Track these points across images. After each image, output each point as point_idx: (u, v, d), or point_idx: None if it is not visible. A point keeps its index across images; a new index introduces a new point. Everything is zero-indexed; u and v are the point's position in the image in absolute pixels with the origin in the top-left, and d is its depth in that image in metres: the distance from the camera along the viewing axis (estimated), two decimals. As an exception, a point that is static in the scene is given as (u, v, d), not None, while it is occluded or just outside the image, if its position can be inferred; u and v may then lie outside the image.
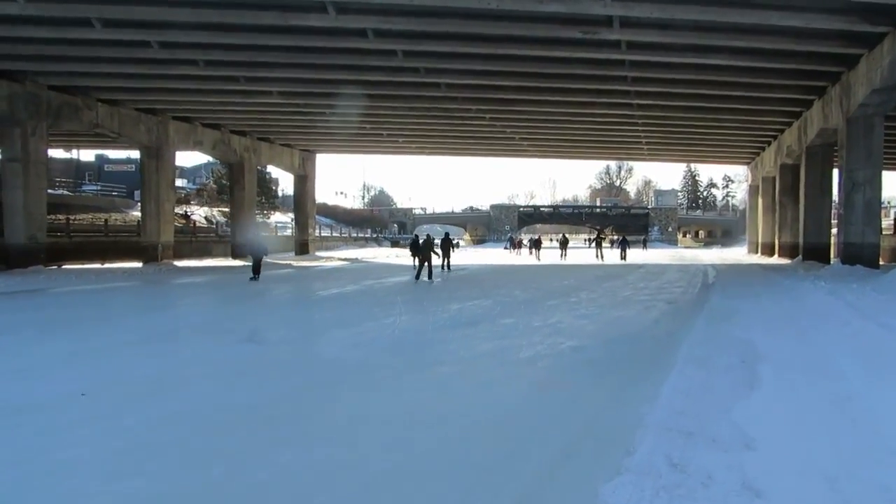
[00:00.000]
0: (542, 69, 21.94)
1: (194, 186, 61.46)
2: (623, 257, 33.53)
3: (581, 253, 41.31)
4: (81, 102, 25.29)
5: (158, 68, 22.46)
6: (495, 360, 6.56)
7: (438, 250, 20.65)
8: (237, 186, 35.06)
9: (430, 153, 42.59)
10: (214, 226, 42.23)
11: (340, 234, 59.43)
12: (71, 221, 33.05)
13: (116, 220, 38.34)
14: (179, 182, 67.25)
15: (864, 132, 19.85)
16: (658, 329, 8.47)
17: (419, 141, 36.81)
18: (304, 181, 41.03)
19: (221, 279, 20.03)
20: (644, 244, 47.59)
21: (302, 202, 41.27)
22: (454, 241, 21.34)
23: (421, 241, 19.46)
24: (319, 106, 27.76)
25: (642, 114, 27.41)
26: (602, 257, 33.97)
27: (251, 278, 18.12)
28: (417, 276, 17.68)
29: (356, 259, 34.75)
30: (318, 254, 40.53)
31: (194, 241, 37.59)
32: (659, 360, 6.34)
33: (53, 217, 28.70)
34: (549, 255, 37.82)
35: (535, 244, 40.74)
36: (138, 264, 27.73)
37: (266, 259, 33.36)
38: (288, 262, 31.80)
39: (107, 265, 27.46)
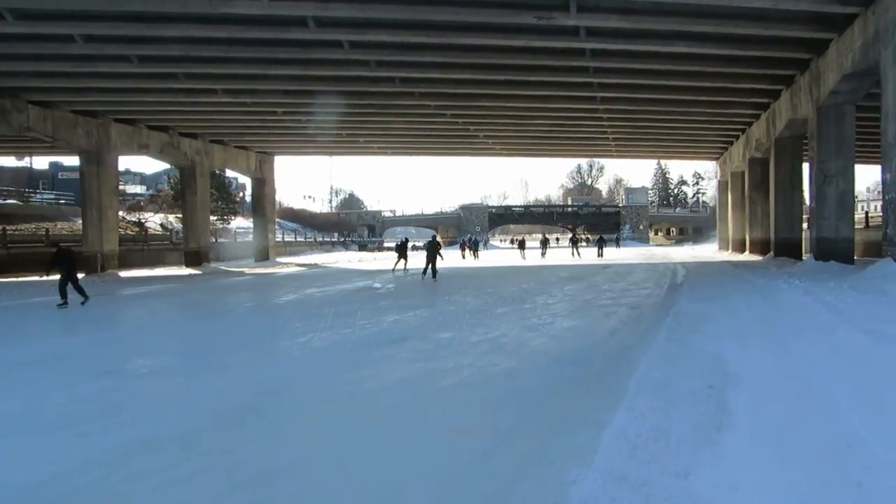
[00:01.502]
0: (499, 60, 20.78)
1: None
2: (600, 255, 35.61)
3: (559, 252, 42.45)
4: (10, 105, 23.55)
5: (88, 66, 20.87)
6: (404, 393, 5.28)
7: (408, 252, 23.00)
8: (189, 191, 33.34)
9: (394, 153, 41.27)
10: (169, 233, 40.33)
11: (306, 238, 57.69)
12: (10, 232, 31.20)
13: (62, 229, 36.40)
14: (139, 189, 65.28)
15: (835, 121, 18.98)
16: (614, 343, 7.26)
17: (380, 141, 35.47)
18: (262, 184, 39.45)
19: (157, 291, 18.46)
20: (617, 242, 47.20)
21: (261, 206, 39.68)
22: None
23: (425, 244, 21.80)
24: (268, 105, 26.33)
25: (607, 107, 26.39)
26: (578, 255, 35.39)
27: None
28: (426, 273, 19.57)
29: (315, 264, 33.26)
30: (280, 259, 38.94)
31: (146, 249, 35.88)
32: (608, 388, 5.12)
33: (-10, 228, 26.95)
34: (530, 254, 38.84)
35: (521, 244, 43.80)
36: (80, 275, 25.92)
37: (218, 266, 32.26)
38: (242, 269, 30.24)
39: (46, 278, 25.64)
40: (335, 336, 8.28)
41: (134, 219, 41.89)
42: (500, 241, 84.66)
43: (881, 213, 15.23)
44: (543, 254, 38.44)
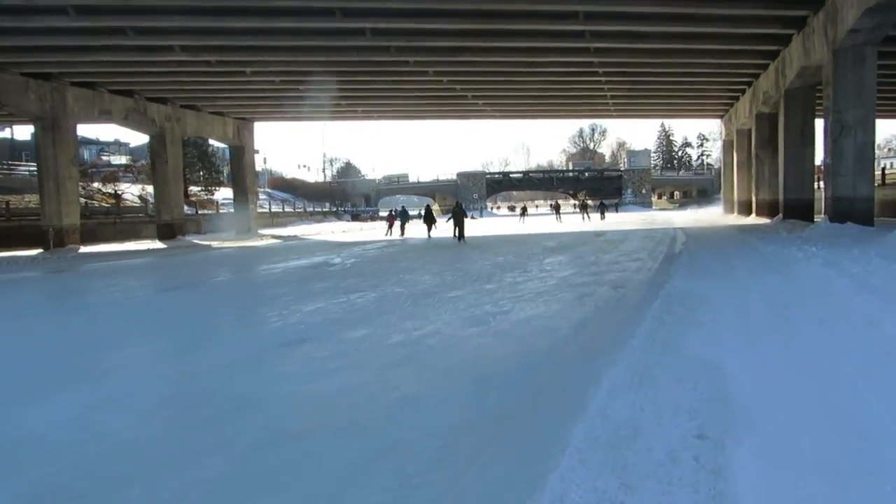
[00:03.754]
0: (478, 6, 18.71)
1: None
2: (602, 218, 39.77)
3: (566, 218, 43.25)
4: (-52, 68, 21.59)
5: (33, 21, 18.92)
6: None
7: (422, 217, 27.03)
8: (159, 160, 31.37)
9: (380, 117, 39.10)
10: (145, 205, 38.46)
11: (295, 209, 55.77)
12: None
13: (30, 202, 34.50)
14: (124, 160, 63.14)
15: (853, 65, 16.82)
16: (575, 346, 5.37)
17: (363, 104, 33.26)
18: (240, 152, 37.43)
19: (89, 270, 16.64)
20: (616, 207, 45.90)
21: (240, 176, 37.74)
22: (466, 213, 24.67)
23: (454, 210, 23.55)
24: (233, 63, 24.17)
25: (602, 60, 24.17)
26: (589, 219, 39.47)
27: None
28: (458, 238, 22.13)
29: (295, 237, 31.46)
30: (262, 231, 37.08)
31: (119, 222, 34.04)
32: (540, 437, 3.27)
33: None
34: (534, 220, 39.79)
35: (522, 211, 48.38)
36: (34, 251, 24.23)
37: (192, 240, 30.47)
38: (216, 242, 28.43)
39: (4, 253, 23.91)
40: (224, 338, 6.47)
41: (110, 190, 39.91)
42: (497, 208, 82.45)
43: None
44: (559, 218, 41.78)
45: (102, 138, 74.85)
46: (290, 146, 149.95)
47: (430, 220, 27.29)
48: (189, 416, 3.94)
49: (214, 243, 27.16)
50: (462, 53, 23.05)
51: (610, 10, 19.25)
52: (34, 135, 26.35)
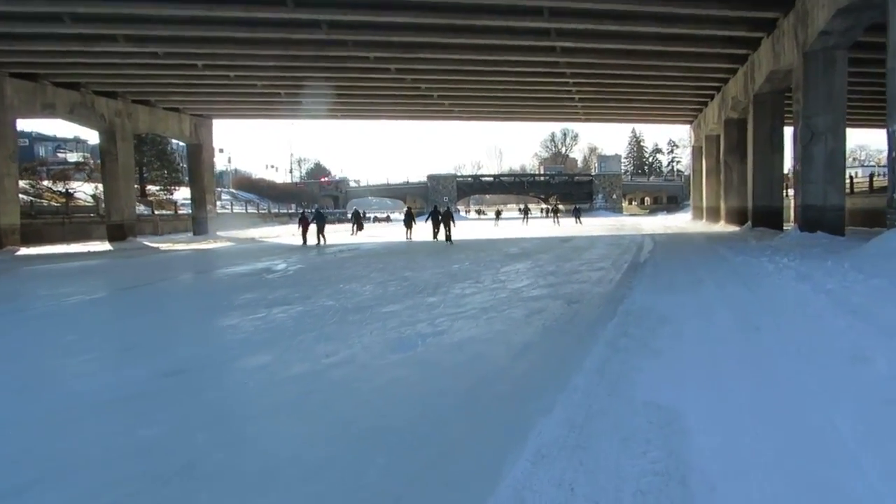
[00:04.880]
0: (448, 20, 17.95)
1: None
2: (578, 222, 40.03)
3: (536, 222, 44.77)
4: None
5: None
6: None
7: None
8: (108, 157, 29.91)
9: (343, 117, 37.81)
10: (97, 205, 36.79)
11: (258, 210, 54.26)
12: None
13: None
14: (77, 158, 60.99)
15: (824, 69, 16.26)
16: (507, 382, 4.39)
17: (325, 102, 32.05)
18: (198, 150, 35.97)
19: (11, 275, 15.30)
20: (578, 214, 44.40)
21: (197, 174, 36.26)
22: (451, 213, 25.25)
23: (442, 211, 24.87)
24: (182, 56, 22.93)
25: (569, 61, 23.43)
26: (559, 223, 40.58)
27: None
28: (446, 239, 22.89)
29: (252, 239, 30.25)
30: (221, 233, 35.66)
31: (68, 222, 32.41)
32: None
33: None
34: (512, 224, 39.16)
35: (497, 214, 50.96)
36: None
37: (143, 241, 29.03)
38: (168, 244, 27.04)
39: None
40: (80, 370, 5.35)
41: (60, 189, 38.12)
42: (467, 211, 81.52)
43: (886, 175, 12.57)
44: (525, 221, 44.77)
45: (60, 135, 72.60)
46: (258, 146, 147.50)
47: (409, 221, 27.59)
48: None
49: (163, 246, 25.78)
50: (421, 49, 22.13)
51: (576, 7, 18.50)
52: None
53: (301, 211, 35.37)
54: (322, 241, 24.09)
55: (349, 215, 65.27)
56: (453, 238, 23.17)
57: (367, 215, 68.40)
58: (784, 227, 21.10)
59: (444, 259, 14.69)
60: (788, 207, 22.89)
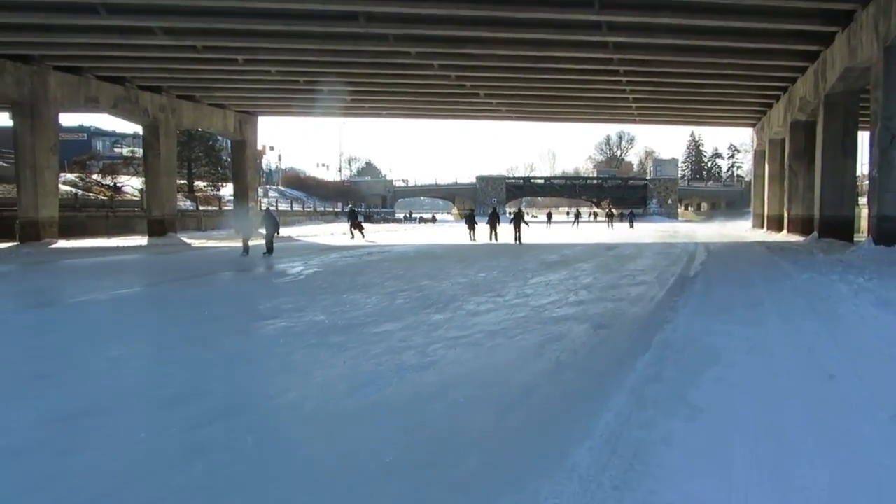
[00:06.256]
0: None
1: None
2: (631, 227, 40.15)
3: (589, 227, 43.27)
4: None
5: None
6: None
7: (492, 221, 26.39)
8: (151, 153, 29.78)
9: (387, 115, 37.14)
10: (143, 199, 37.01)
11: (304, 208, 54.15)
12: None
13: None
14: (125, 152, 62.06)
15: (908, 65, 14.49)
16: (484, 454, 3.17)
17: (369, 99, 31.32)
18: (242, 147, 35.75)
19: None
20: (630, 217, 43.05)
21: (240, 171, 36.07)
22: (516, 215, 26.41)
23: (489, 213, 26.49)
24: (221, 50, 22.45)
25: (622, 57, 22.04)
26: (612, 227, 40.62)
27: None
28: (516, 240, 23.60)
29: (290, 237, 29.68)
30: (262, 231, 35.29)
31: (112, 216, 32.60)
32: None
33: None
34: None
35: (548, 217, 51.07)
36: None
37: (181, 237, 28.82)
38: (205, 241, 26.73)
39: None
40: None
41: (109, 183, 38.54)
42: (510, 213, 80.00)
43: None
44: (576, 225, 43.83)
45: (119, 130, 74.20)
46: (310, 144, 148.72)
47: (471, 223, 27.92)
48: None
49: (196, 242, 25.43)
50: (464, 45, 21.05)
51: (628, -2, 17.15)
52: (12, 121, 24.70)
53: (350, 209, 35.14)
54: (357, 236, 25.94)
55: (396, 215, 64.70)
56: (522, 240, 23.84)
57: (413, 215, 67.73)
58: (855, 239, 19.23)
59: (472, 266, 13.56)
60: (860, 217, 20.93)
